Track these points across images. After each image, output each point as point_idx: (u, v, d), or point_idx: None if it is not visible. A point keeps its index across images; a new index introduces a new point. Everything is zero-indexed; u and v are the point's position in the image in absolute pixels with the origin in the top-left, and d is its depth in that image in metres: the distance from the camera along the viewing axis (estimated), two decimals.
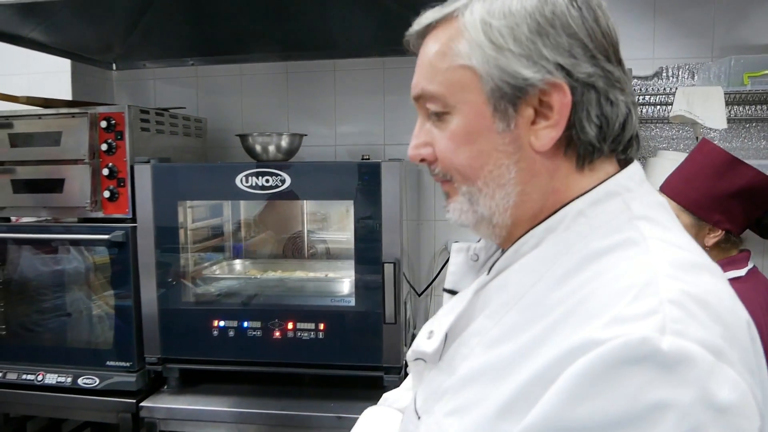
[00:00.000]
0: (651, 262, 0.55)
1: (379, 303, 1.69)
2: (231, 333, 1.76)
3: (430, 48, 0.66)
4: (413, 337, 2.10)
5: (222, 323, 1.76)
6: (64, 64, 2.36)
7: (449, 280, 0.81)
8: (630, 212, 0.62)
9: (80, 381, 1.85)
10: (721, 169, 1.40)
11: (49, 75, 2.37)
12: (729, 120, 2.01)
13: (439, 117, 0.66)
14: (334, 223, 2.19)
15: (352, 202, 1.68)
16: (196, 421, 1.81)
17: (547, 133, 0.62)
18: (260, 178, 1.69)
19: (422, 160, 0.70)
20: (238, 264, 2.17)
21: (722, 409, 0.47)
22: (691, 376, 0.47)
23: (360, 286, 1.70)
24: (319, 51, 2.36)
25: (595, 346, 0.49)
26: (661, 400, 0.47)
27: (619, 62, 0.65)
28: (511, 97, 0.62)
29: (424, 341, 0.70)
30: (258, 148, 1.87)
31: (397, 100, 2.40)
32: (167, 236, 1.78)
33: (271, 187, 1.69)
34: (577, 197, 0.64)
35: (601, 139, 0.63)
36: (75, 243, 1.84)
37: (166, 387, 1.88)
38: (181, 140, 2.18)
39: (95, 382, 1.84)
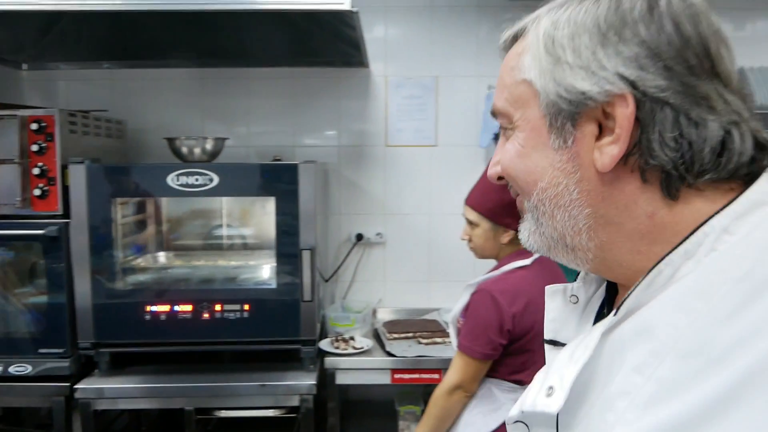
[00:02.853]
0: None
1: (297, 284, 1.95)
2: (162, 317, 1.95)
3: (503, 67, 0.65)
4: (323, 318, 2.38)
5: (153, 308, 1.95)
6: None
7: (549, 329, 0.73)
8: None
9: (12, 369, 1.96)
10: (506, 182, 1.72)
11: None
12: None
13: (506, 132, 0.65)
14: (251, 218, 2.41)
15: (273, 198, 1.93)
16: (129, 398, 1.99)
17: (609, 150, 0.56)
18: (190, 177, 1.90)
19: (500, 178, 0.68)
20: (162, 256, 2.34)
21: None
22: None
23: (280, 271, 1.96)
24: (233, 60, 2.57)
25: None
26: None
27: (715, 76, 0.55)
28: (569, 113, 0.58)
29: (543, 399, 0.59)
30: (185, 149, 2.07)
31: (305, 105, 2.66)
32: (100, 231, 1.94)
33: (200, 185, 1.91)
34: (711, 217, 0.54)
35: (682, 167, 0.54)
36: (8, 238, 1.95)
37: (96, 371, 2.03)
38: (104, 141, 2.31)
39: (27, 369, 1.96)
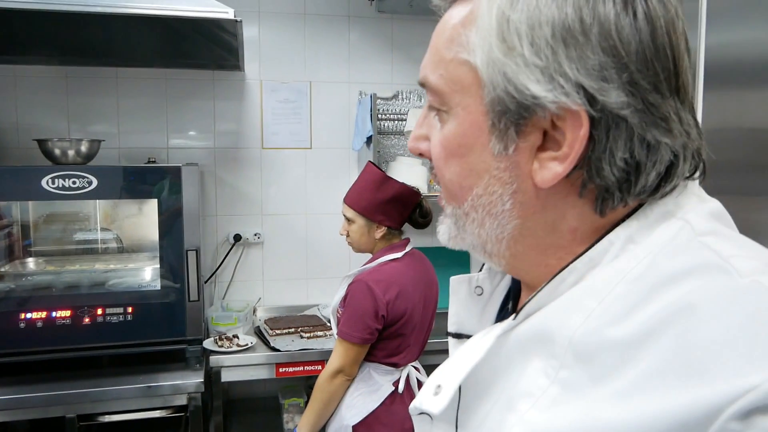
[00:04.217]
0: (757, 291, 0.44)
1: (182, 285, 1.98)
2: (39, 324, 1.89)
3: (441, 27, 0.55)
4: (204, 318, 2.41)
5: (29, 315, 1.88)
6: None
7: (452, 321, 0.68)
8: (690, 228, 0.50)
9: None
10: (378, 183, 1.91)
11: None
12: None
13: (439, 112, 0.56)
14: (128, 220, 2.38)
15: (155, 200, 1.94)
16: (3, 410, 1.90)
17: (553, 167, 0.50)
18: (67, 180, 1.86)
19: (421, 154, 0.60)
20: (32, 262, 2.24)
21: None
22: None
23: (164, 272, 1.98)
24: (101, 59, 2.50)
25: (745, 393, 0.39)
26: None
27: (677, 93, 0.50)
28: (515, 115, 0.49)
29: (430, 397, 0.57)
30: (58, 151, 2.00)
31: (178, 107, 2.65)
32: None
33: (78, 188, 1.87)
34: (615, 226, 0.52)
35: (624, 188, 0.50)
36: None
37: None
38: None
39: None
